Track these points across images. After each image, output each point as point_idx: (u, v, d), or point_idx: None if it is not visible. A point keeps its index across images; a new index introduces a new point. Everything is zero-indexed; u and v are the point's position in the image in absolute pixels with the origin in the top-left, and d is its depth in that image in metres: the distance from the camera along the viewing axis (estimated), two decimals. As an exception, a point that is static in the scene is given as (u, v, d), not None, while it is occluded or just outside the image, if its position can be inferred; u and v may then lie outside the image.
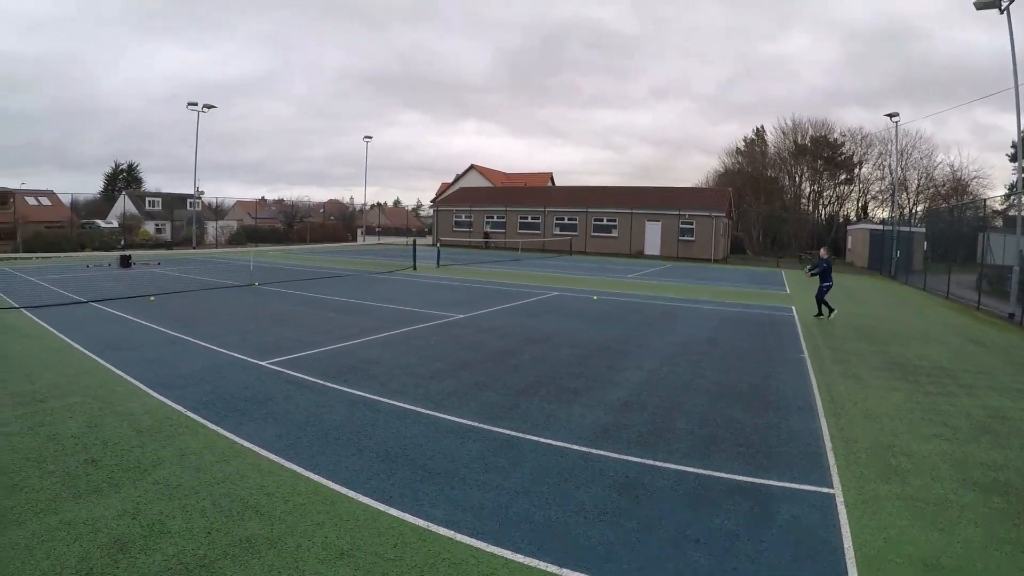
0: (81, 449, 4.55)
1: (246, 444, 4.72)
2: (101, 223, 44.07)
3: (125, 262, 21.76)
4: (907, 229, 26.46)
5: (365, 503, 3.75)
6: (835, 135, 52.60)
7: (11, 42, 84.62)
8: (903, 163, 39.38)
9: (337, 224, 58.82)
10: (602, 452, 4.65)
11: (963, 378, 7.73)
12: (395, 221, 68.49)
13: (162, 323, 10.01)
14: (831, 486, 4.15)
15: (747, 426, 5.37)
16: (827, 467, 4.50)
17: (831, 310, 12.87)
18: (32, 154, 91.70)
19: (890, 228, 28.02)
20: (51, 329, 9.40)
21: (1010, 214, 18.97)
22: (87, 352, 7.82)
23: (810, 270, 13.36)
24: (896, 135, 32.91)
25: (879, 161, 50.66)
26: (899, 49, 79.26)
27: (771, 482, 4.17)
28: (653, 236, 39.74)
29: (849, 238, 42.47)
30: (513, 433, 5.07)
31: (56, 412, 5.41)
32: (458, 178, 66.84)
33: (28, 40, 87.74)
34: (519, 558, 3.11)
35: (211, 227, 45.22)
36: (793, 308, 14.57)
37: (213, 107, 38.30)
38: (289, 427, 5.12)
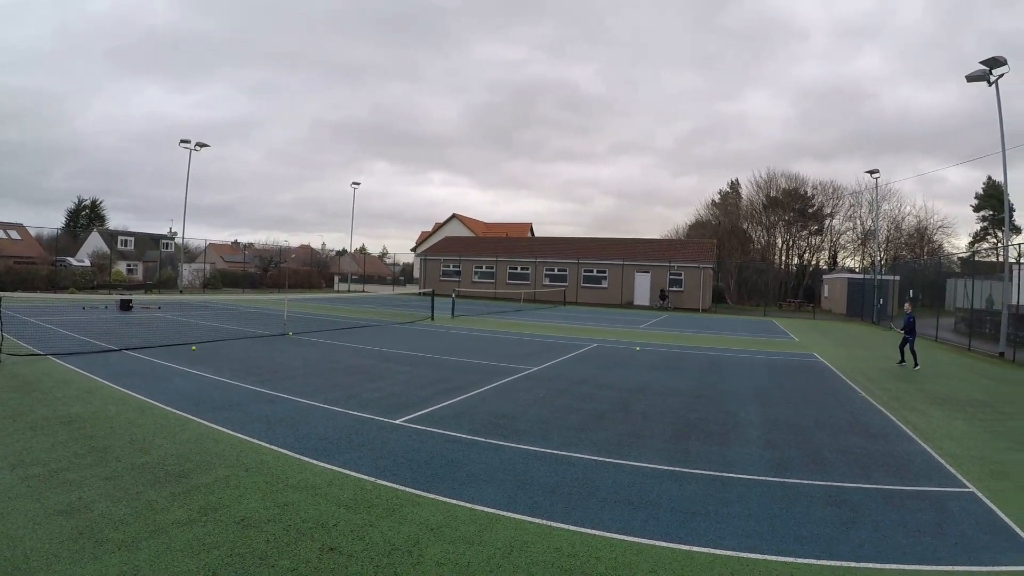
0: (298, 535, 3.99)
1: (489, 510, 4.52)
2: (73, 261, 43.64)
3: (125, 305, 22.39)
4: (890, 278, 29.44)
5: (687, 550, 4.05)
6: (807, 188, 57.09)
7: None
8: (874, 214, 43.50)
9: (311, 271, 59.43)
10: (793, 480, 5.73)
11: (999, 407, 9.67)
12: (367, 268, 69.43)
13: (231, 376, 9.66)
14: (966, 487, 5.72)
15: (874, 451, 6.89)
16: (953, 475, 6.07)
17: (916, 363, 13.87)
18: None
19: (870, 277, 31.04)
20: (107, 383, 8.79)
21: (975, 260, 21.72)
22: (179, 412, 7.24)
23: (903, 329, 14.42)
24: (876, 190, 36.77)
25: (849, 212, 55.15)
26: (850, 106, 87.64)
27: (925, 488, 5.67)
28: (643, 287, 42.28)
29: (825, 286, 45.93)
30: (712, 473, 5.78)
31: (215, 490, 4.74)
32: (438, 227, 68.94)
33: (5, 73, 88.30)
34: (824, 561, 3.98)
35: (185, 270, 45.30)
36: (815, 354, 16.54)
37: (206, 146, 39.54)
38: (510, 488, 5.08)
